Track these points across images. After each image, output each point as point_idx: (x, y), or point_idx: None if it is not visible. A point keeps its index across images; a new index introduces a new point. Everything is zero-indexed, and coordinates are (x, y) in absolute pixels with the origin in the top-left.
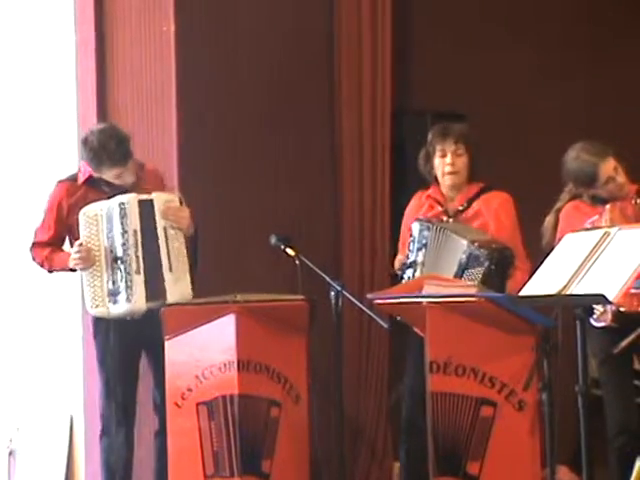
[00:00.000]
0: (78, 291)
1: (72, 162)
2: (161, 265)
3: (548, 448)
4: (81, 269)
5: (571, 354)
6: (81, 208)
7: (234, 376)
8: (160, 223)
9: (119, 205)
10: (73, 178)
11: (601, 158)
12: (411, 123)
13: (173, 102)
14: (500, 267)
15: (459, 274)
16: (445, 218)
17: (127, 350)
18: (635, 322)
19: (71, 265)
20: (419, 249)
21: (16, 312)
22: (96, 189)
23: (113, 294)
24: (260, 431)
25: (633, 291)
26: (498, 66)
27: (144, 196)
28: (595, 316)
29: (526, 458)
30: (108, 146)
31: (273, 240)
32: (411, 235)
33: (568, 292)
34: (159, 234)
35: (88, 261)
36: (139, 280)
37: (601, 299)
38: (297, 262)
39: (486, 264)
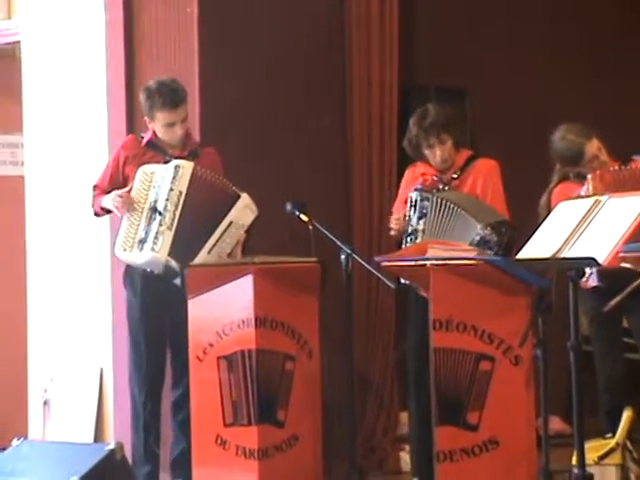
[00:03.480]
0: (109, 246)
1: (102, 142)
2: (197, 233)
3: (542, 400)
4: (119, 212)
5: (564, 313)
6: (138, 163)
7: (252, 332)
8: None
9: (175, 167)
10: (140, 136)
11: (586, 138)
12: (416, 96)
13: (196, 83)
14: (507, 249)
15: None
16: (441, 186)
17: (153, 313)
18: (623, 283)
19: (108, 205)
20: (420, 218)
21: (48, 266)
22: (155, 151)
23: (142, 241)
24: (276, 383)
25: (622, 255)
26: (501, 43)
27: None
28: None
29: (521, 409)
30: (162, 90)
31: (289, 207)
32: (411, 205)
33: (561, 255)
34: (201, 206)
35: (125, 206)
36: (169, 235)
37: (592, 262)
38: (310, 227)
39: (495, 249)
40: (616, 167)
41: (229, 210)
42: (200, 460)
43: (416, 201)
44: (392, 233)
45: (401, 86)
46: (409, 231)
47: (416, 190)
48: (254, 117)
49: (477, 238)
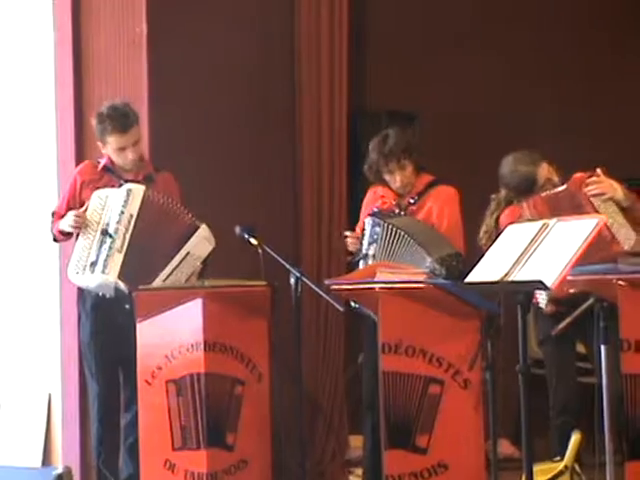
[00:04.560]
0: (58, 270)
1: (51, 164)
2: (150, 257)
3: (491, 422)
4: (72, 231)
5: (515, 336)
6: (94, 188)
7: (201, 356)
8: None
9: (126, 190)
10: (97, 161)
11: (536, 166)
12: (366, 120)
13: (145, 102)
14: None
15: None
16: (397, 210)
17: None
18: (577, 306)
19: (65, 227)
20: (370, 243)
21: None
22: (110, 176)
23: (93, 264)
24: (225, 407)
25: (570, 278)
26: (450, 67)
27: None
28: (543, 304)
29: (470, 432)
30: (113, 114)
31: (238, 230)
32: (363, 229)
33: (510, 279)
34: (153, 230)
35: (79, 226)
36: (119, 257)
37: (540, 285)
38: (260, 251)
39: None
40: (556, 190)
41: (187, 240)
42: None
43: (369, 226)
44: (350, 249)
45: (351, 110)
46: (360, 255)
47: (370, 215)
48: (203, 139)
49: (427, 271)
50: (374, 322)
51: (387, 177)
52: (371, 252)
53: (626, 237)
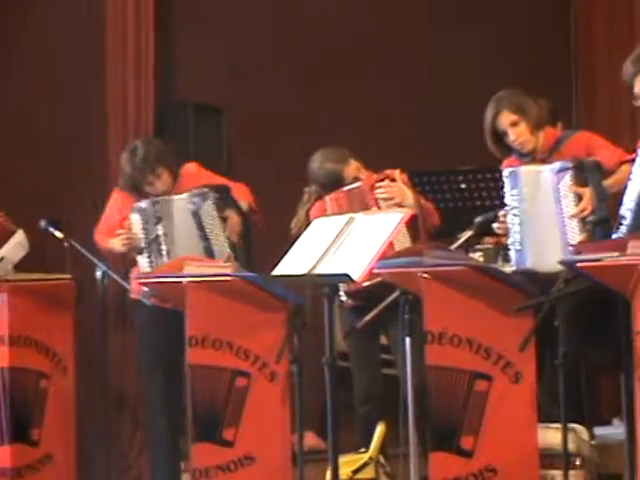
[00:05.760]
0: None
1: None
2: None
3: (297, 415)
4: None
5: (322, 329)
6: None
7: (5, 350)
8: None
9: None
10: None
11: (343, 163)
12: (174, 113)
13: None
14: None
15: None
16: None
17: None
18: (379, 300)
19: None
20: (155, 224)
21: None
22: None
23: None
24: (30, 402)
25: (376, 271)
26: (257, 60)
27: None
28: (344, 298)
29: (277, 425)
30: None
31: (42, 223)
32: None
33: (317, 272)
34: None
35: None
36: None
37: (346, 278)
38: (66, 244)
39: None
40: (351, 186)
41: (2, 244)
42: None
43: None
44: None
45: (159, 103)
46: (145, 244)
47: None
48: (10, 130)
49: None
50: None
51: (147, 188)
52: (160, 232)
53: (400, 242)
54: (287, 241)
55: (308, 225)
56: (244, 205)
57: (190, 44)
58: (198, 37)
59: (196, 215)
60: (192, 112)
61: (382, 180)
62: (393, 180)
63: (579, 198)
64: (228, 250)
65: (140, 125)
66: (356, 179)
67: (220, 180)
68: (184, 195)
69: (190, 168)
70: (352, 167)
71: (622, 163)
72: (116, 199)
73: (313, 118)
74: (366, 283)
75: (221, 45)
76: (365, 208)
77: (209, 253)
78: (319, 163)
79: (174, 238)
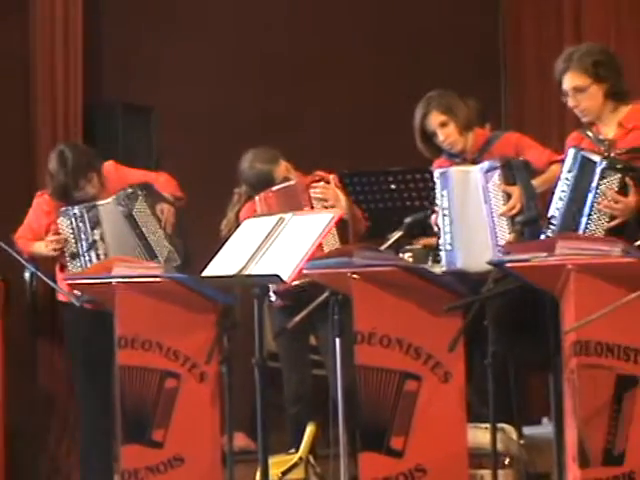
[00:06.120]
0: None
1: None
2: None
3: (227, 416)
4: None
5: (252, 330)
6: None
7: None
8: None
9: None
10: None
11: (274, 164)
12: (102, 113)
13: None
14: None
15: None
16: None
17: None
18: (308, 301)
19: None
20: (92, 229)
21: None
22: None
23: None
24: None
25: (306, 271)
26: (187, 59)
27: None
28: (272, 299)
29: (207, 425)
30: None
31: None
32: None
33: (246, 272)
34: None
35: None
36: None
37: (276, 279)
38: None
39: None
40: (280, 186)
41: None
42: None
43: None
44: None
45: (87, 102)
46: (77, 249)
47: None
48: None
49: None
50: None
51: (78, 193)
52: (97, 237)
53: (330, 244)
54: (217, 242)
55: (238, 226)
56: (169, 197)
57: (118, 42)
58: (127, 36)
59: (130, 216)
60: (120, 111)
61: (317, 181)
62: (327, 183)
63: (508, 197)
64: (167, 245)
65: (69, 125)
66: (286, 179)
67: (139, 173)
68: (110, 199)
69: (108, 167)
70: (282, 167)
71: (551, 163)
72: (40, 203)
73: (243, 119)
74: (295, 282)
75: (150, 45)
76: (296, 208)
77: (149, 251)
78: (249, 163)
79: (110, 242)
